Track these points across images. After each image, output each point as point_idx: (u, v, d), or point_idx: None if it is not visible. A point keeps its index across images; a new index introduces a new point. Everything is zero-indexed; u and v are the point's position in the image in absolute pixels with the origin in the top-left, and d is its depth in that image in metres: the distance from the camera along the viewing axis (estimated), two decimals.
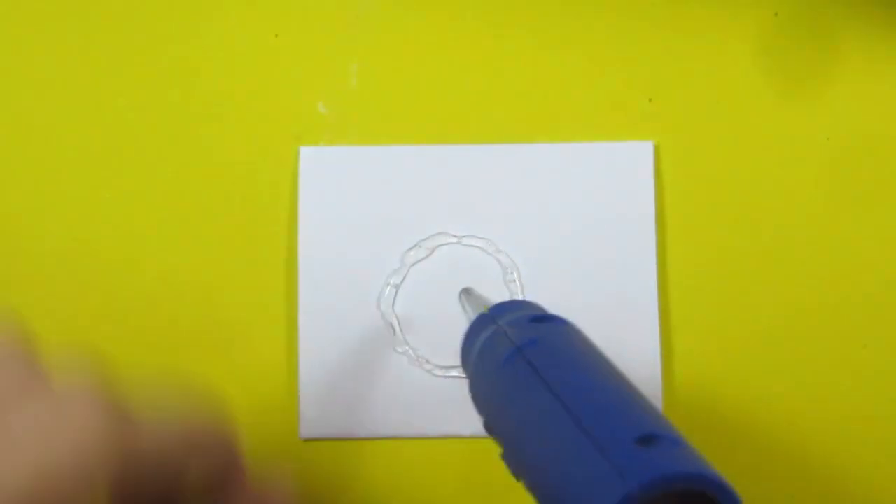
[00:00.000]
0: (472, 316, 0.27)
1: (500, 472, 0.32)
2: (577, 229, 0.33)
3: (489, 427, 0.24)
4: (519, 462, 0.23)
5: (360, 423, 0.32)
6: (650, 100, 0.34)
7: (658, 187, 0.33)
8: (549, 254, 0.33)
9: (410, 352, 0.32)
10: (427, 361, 0.32)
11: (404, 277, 0.33)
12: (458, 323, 0.32)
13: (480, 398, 0.25)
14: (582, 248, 0.33)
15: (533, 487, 0.22)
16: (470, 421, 0.32)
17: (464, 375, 0.32)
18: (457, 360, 0.32)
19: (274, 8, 0.34)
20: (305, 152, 0.33)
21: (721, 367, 0.33)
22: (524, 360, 0.23)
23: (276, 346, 0.33)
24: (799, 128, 0.33)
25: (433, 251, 0.33)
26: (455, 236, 0.33)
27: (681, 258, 0.33)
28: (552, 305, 0.32)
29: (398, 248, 0.33)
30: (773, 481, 0.32)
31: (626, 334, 0.32)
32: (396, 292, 0.33)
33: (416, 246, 0.33)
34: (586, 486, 0.19)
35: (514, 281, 0.33)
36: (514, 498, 0.33)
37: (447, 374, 0.32)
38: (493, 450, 0.32)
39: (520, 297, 0.32)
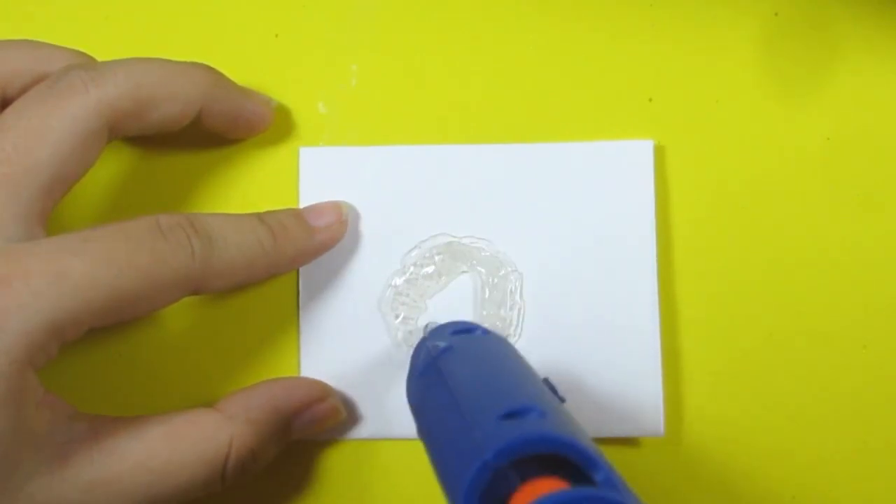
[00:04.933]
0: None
1: None
2: (576, 228, 0.33)
3: (419, 434, 0.26)
4: (429, 457, 0.25)
5: (360, 423, 0.32)
6: (650, 100, 0.34)
7: (658, 186, 0.33)
8: (548, 253, 0.33)
9: (411, 352, 0.32)
10: None
11: (405, 278, 0.33)
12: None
13: (411, 406, 0.27)
14: (582, 247, 0.33)
15: (438, 478, 0.24)
16: None
17: None
18: None
19: (274, 8, 0.34)
20: (305, 152, 0.33)
21: (720, 365, 0.33)
22: (436, 367, 0.26)
23: (276, 347, 0.33)
24: (799, 128, 0.33)
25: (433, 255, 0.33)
26: (455, 237, 0.33)
27: (680, 257, 0.33)
28: (552, 304, 0.32)
29: (398, 249, 0.33)
30: (773, 482, 0.32)
31: (625, 334, 0.32)
32: (396, 293, 0.33)
33: (416, 247, 0.33)
34: (460, 461, 0.21)
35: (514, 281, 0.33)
36: None
37: None
38: None
39: (518, 297, 0.32)
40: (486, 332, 0.28)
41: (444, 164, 0.33)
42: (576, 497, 0.19)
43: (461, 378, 0.25)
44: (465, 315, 0.32)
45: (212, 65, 0.31)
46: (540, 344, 0.32)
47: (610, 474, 0.21)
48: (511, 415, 0.22)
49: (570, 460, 0.21)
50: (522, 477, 0.21)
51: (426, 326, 0.31)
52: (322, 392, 0.31)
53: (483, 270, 0.32)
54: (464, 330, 0.28)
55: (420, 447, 0.32)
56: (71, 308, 0.25)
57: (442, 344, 0.27)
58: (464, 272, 0.33)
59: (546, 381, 0.26)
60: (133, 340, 0.33)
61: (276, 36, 0.34)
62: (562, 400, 0.25)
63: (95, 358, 0.33)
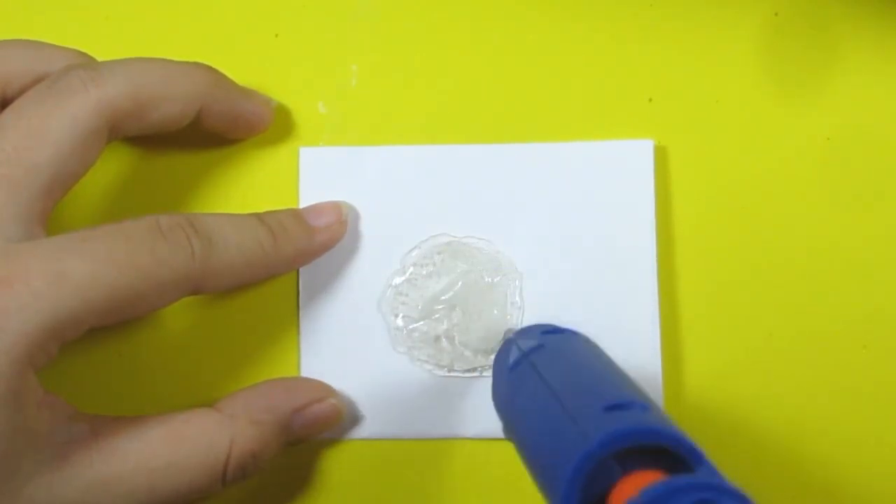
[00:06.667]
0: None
1: (500, 473, 0.33)
2: (576, 228, 0.33)
3: (506, 430, 0.27)
4: (523, 451, 0.25)
5: (360, 423, 0.32)
6: (650, 100, 0.34)
7: (658, 186, 0.33)
8: (548, 253, 0.33)
9: (411, 352, 0.32)
10: (427, 361, 0.32)
11: (405, 278, 0.33)
12: (458, 322, 0.32)
13: (497, 403, 0.27)
14: (581, 246, 0.33)
15: (533, 472, 0.24)
16: (470, 421, 0.32)
17: (463, 375, 0.32)
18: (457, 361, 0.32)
19: (274, 8, 0.34)
20: (305, 152, 0.33)
21: (720, 365, 0.33)
22: (528, 363, 0.26)
23: (276, 347, 0.33)
24: (799, 128, 0.33)
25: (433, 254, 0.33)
26: (455, 237, 0.33)
27: (679, 257, 0.33)
28: (552, 304, 0.32)
29: (398, 249, 0.33)
30: (773, 483, 0.32)
31: (626, 334, 0.32)
32: (396, 293, 0.33)
33: (416, 247, 0.33)
34: (563, 453, 0.22)
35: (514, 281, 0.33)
36: (514, 498, 0.33)
37: (447, 375, 0.32)
38: (493, 450, 0.32)
39: (517, 297, 0.32)
40: (574, 332, 0.28)
41: (444, 164, 0.33)
42: (692, 484, 0.20)
43: (558, 373, 0.25)
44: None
45: (212, 65, 0.31)
46: None
47: (712, 467, 0.21)
48: (615, 407, 0.22)
49: (666, 456, 0.21)
50: (623, 469, 0.21)
51: (506, 332, 0.31)
52: (322, 392, 0.31)
53: (483, 270, 0.32)
54: (552, 331, 0.28)
55: (420, 446, 0.33)
56: (71, 308, 0.25)
57: (533, 342, 0.27)
58: (463, 272, 0.33)
59: None
60: (133, 340, 0.33)
61: (276, 36, 0.34)
62: None
63: (95, 358, 0.33)
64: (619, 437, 0.21)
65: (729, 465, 0.32)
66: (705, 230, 0.33)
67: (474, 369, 0.32)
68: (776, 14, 0.34)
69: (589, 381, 0.24)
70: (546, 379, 0.25)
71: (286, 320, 0.33)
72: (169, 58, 0.30)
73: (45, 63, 0.29)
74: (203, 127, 0.31)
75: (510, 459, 0.32)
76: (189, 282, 0.27)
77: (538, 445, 0.24)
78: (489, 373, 0.32)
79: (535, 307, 0.32)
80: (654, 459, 0.21)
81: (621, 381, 0.24)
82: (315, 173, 0.33)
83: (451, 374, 0.32)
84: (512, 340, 0.28)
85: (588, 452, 0.21)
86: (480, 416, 0.32)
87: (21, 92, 0.29)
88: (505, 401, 0.27)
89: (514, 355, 0.27)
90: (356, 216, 0.33)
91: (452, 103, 0.34)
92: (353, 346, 0.33)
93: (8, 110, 0.28)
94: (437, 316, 0.32)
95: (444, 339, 0.32)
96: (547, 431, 0.23)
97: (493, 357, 0.31)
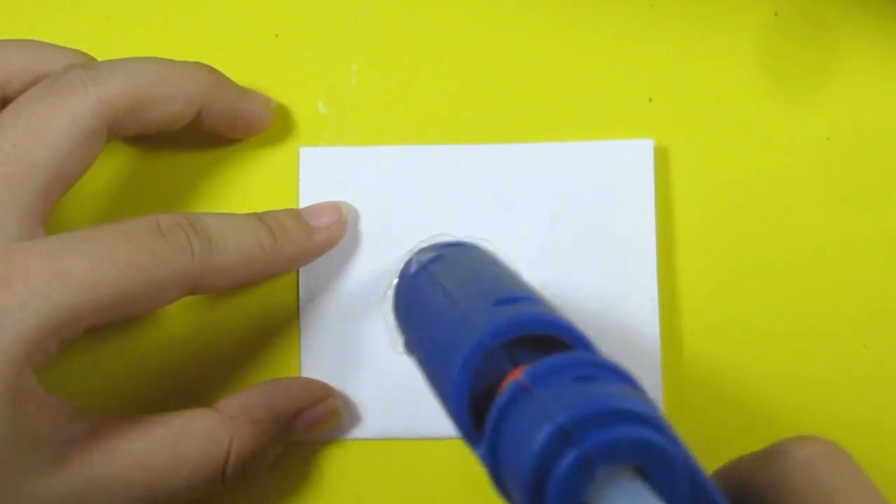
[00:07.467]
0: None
1: None
2: (576, 228, 0.33)
3: (407, 345, 0.27)
4: (420, 361, 0.25)
5: (360, 423, 0.32)
6: (650, 100, 0.34)
7: (658, 186, 0.33)
8: (549, 253, 0.33)
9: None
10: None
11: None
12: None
13: (398, 320, 0.28)
14: (582, 246, 0.33)
15: (429, 379, 0.25)
16: None
17: None
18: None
19: (274, 8, 0.34)
20: (305, 152, 0.33)
21: (720, 365, 0.33)
22: (426, 273, 0.26)
23: (276, 347, 0.33)
24: (799, 128, 0.33)
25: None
26: (455, 237, 0.33)
27: (680, 257, 0.33)
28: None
29: (398, 249, 0.33)
30: None
31: (626, 334, 0.32)
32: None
33: (416, 247, 0.33)
34: (454, 347, 0.22)
35: None
36: None
37: None
38: None
39: None
40: (474, 244, 0.28)
41: (444, 164, 0.33)
42: (572, 360, 0.20)
43: (455, 279, 0.25)
44: None
45: (212, 65, 0.31)
46: None
47: (595, 349, 0.22)
48: (505, 301, 0.23)
49: (558, 347, 0.22)
50: (514, 363, 0.21)
51: (410, 251, 0.32)
52: (322, 392, 0.31)
53: None
54: (453, 244, 0.29)
55: (420, 446, 0.33)
56: (70, 307, 0.25)
57: (432, 254, 0.27)
58: None
59: None
60: (133, 340, 0.33)
61: (276, 36, 0.34)
62: None
63: (95, 358, 0.33)
64: (507, 326, 0.21)
65: None
66: (705, 230, 0.33)
67: None
68: (776, 14, 0.34)
69: (484, 283, 0.25)
70: (443, 286, 0.25)
71: (286, 320, 0.33)
72: (169, 58, 0.30)
73: (45, 63, 0.30)
74: (203, 127, 0.31)
75: None
76: (189, 281, 0.27)
77: (433, 350, 0.24)
78: None
79: None
80: (546, 354, 0.22)
81: (515, 280, 0.25)
82: (315, 173, 0.33)
83: None
84: (412, 257, 0.28)
85: (477, 342, 0.21)
86: None
87: (21, 92, 0.29)
88: (403, 314, 0.27)
89: (413, 268, 0.27)
90: (356, 216, 0.33)
91: (452, 103, 0.34)
92: (353, 346, 0.33)
93: (8, 109, 0.28)
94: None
95: None
96: (441, 334, 0.24)
97: None
